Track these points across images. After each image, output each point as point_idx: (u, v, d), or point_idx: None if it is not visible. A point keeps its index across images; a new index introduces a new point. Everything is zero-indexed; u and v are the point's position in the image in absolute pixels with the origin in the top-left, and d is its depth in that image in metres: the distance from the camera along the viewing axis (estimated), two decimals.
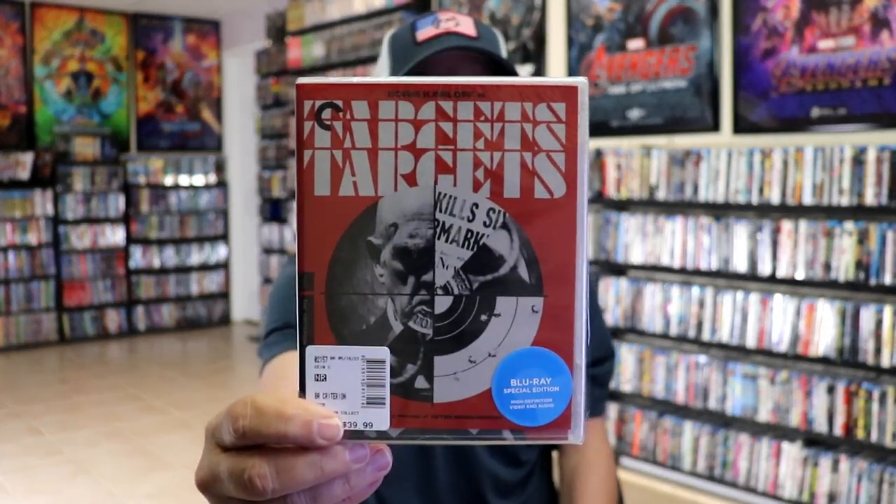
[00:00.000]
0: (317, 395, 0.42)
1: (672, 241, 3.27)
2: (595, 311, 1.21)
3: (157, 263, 6.80)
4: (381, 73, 1.04)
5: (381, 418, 0.42)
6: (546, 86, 0.42)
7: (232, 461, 0.40)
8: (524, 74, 4.00)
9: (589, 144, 0.43)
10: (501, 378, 0.42)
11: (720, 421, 3.17)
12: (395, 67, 0.98)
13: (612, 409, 3.51)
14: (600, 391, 1.19)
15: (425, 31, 0.97)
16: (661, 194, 3.32)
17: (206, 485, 0.42)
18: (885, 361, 2.69)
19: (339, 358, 0.42)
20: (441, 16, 0.99)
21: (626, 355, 3.44)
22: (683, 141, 3.36)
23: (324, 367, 0.42)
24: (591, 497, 1.12)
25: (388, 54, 1.02)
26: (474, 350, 0.42)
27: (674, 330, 3.26)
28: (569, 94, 0.42)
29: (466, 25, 0.98)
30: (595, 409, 1.17)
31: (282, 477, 0.39)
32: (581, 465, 1.15)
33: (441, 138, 0.42)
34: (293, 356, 0.92)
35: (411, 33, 0.99)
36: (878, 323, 2.71)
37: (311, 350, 0.42)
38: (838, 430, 2.80)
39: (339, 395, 0.42)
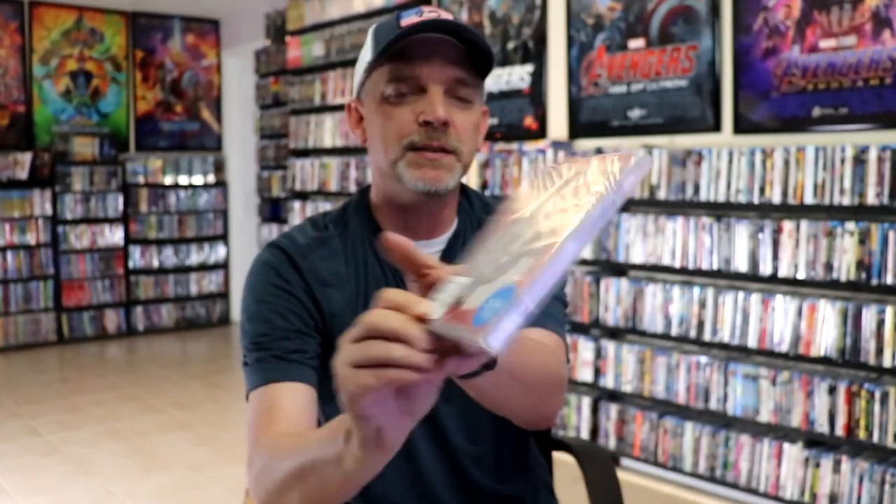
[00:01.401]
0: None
1: (673, 241, 3.26)
2: (556, 299, 1.16)
3: (156, 263, 6.79)
4: (363, 60, 1.11)
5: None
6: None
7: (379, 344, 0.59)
8: (524, 74, 4.00)
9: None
10: (487, 300, 0.58)
11: (721, 421, 3.16)
12: (377, 50, 1.05)
13: (613, 409, 3.50)
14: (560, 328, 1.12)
15: (409, 19, 1.03)
16: (662, 194, 3.31)
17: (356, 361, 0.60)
18: (887, 362, 2.68)
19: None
20: (425, 8, 1.06)
21: (627, 356, 3.43)
22: (684, 141, 3.35)
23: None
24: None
25: (372, 40, 1.08)
26: (495, 284, 0.59)
27: (674, 330, 3.25)
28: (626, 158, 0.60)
29: (447, 17, 1.05)
30: (551, 326, 1.08)
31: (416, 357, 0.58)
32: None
33: None
34: (280, 391, 1.00)
35: (396, 21, 1.05)
36: (880, 323, 2.70)
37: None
38: (840, 431, 2.80)
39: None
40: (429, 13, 1.04)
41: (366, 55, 1.10)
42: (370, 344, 0.58)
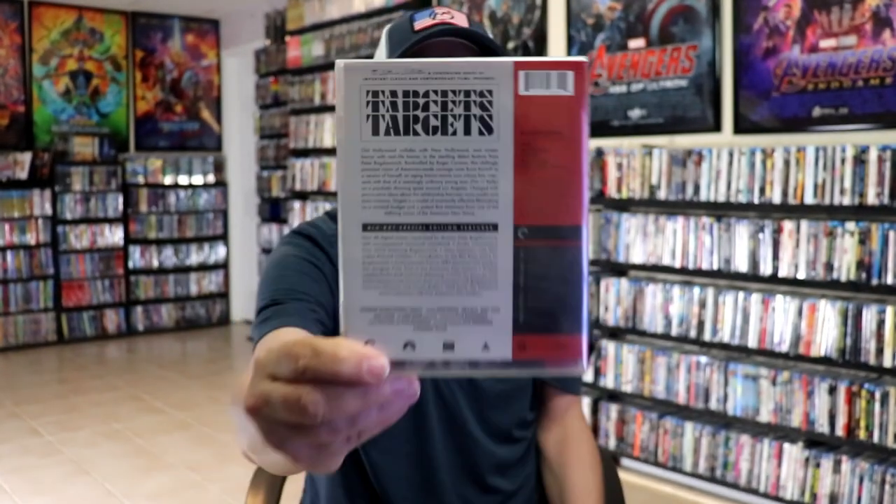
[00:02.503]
0: None
1: (673, 241, 3.26)
2: None
3: (155, 263, 6.79)
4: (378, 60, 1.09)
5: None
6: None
7: (286, 389, 0.43)
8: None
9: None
10: None
11: (721, 421, 3.16)
12: (392, 54, 1.07)
13: (613, 409, 3.50)
14: None
15: (422, 22, 1.04)
16: (662, 194, 3.31)
17: (256, 409, 0.45)
18: (887, 362, 2.68)
19: None
20: (437, 10, 1.06)
21: (627, 356, 3.43)
22: (684, 140, 3.35)
23: None
24: (584, 467, 1.21)
25: (386, 43, 1.09)
26: None
27: (675, 330, 3.25)
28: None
29: (460, 19, 1.05)
30: (571, 387, 1.25)
31: (331, 405, 0.42)
32: (568, 437, 1.23)
33: None
34: (283, 333, 0.95)
35: (409, 24, 1.05)
36: (880, 323, 2.70)
37: None
38: (840, 431, 2.80)
39: None
40: (442, 15, 1.05)
41: (380, 56, 1.12)
42: (338, 399, 0.43)
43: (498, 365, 0.45)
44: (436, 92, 0.44)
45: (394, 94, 0.44)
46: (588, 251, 0.45)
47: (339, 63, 0.44)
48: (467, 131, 0.44)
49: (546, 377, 0.43)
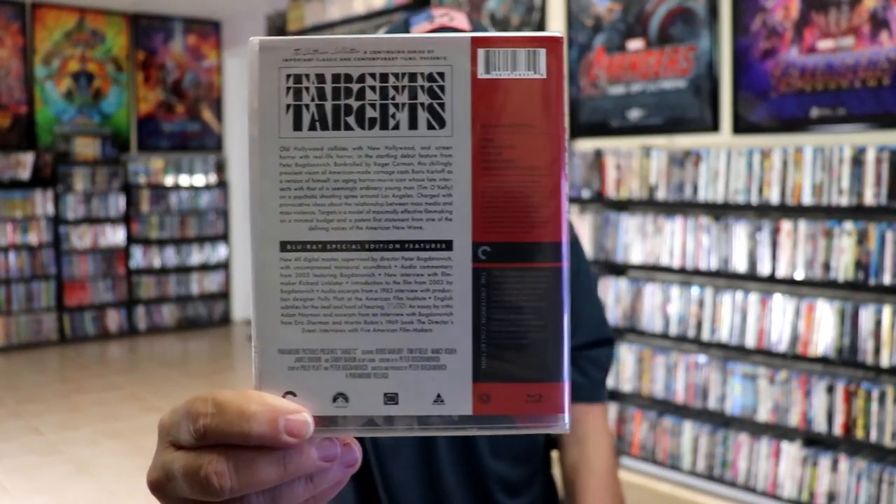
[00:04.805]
0: None
1: (671, 241, 3.27)
2: (589, 292, 1.13)
3: (157, 263, 6.81)
4: None
5: None
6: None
7: (187, 458, 0.36)
8: None
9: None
10: None
11: (719, 421, 3.17)
12: None
13: (612, 408, 3.51)
14: (599, 375, 1.13)
15: (419, 27, 0.96)
16: (661, 194, 3.32)
17: (158, 485, 0.38)
18: (885, 361, 2.69)
19: None
20: (435, 12, 0.99)
21: (626, 355, 3.44)
22: (683, 141, 3.37)
23: None
24: (593, 500, 1.10)
25: None
26: None
27: (673, 330, 3.26)
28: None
29: (460, 21, 0.97)
30: (587, 393, 1.10)
31: (241, 475, 0.35)
32: (580, 463, 1.12)
33: None
34: None
35: (405, 29, 0.98)
36: (878, 323, 2.71)
37: None
38: (837, 430, 2.81)
39: None
40: (440, 18, 0.97)
41: None
42: (250, 461, 0.35)
43: (454, 421, 0.35)
44: (374, 76, 0.36)
45: (321, 78, 0.36)
46: (569, 275, 0.36)
47: (253, 41, 0.36)
48: (413, 125, 0.36)
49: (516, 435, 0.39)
